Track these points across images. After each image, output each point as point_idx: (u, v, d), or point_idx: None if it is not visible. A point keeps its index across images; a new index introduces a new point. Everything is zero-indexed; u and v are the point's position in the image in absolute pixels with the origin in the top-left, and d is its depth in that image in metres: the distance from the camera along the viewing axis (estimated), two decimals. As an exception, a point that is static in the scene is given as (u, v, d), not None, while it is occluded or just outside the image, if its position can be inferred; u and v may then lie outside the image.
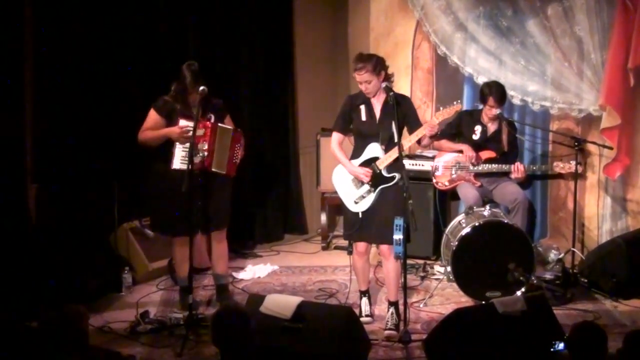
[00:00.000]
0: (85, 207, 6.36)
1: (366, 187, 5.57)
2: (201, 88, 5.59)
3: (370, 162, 5.57)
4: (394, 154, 5.48)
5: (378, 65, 5.48)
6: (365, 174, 5.54)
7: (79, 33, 6.36)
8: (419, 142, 5.65)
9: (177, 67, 5.80)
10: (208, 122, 5.71)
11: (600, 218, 6.90)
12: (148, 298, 6.26)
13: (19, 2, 5.97)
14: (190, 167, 5.42)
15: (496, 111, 6.43)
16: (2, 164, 5.82)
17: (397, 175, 5.50)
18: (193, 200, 5.55)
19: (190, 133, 5.57)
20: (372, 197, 5.57)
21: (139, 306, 5.89)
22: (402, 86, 7.23)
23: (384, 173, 5.55)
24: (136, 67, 6.66)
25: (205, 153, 5.66)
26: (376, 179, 5.55)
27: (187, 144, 5.59)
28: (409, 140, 5.59)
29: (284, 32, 7.83)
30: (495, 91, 6.44)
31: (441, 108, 5.67)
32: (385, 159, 5.53)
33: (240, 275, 6.78)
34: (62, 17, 6.28)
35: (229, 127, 5.84)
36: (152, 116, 5.79)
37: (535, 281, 6.05)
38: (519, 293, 5.76)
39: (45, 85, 6.25)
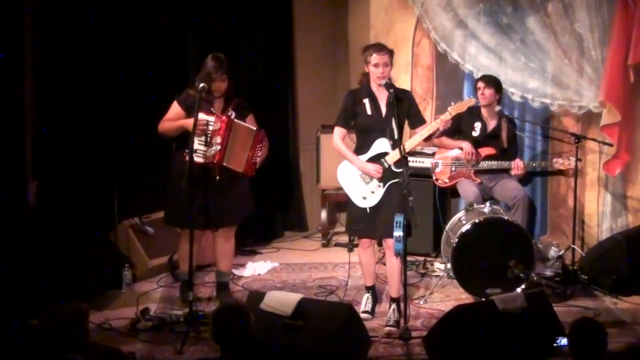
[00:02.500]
0: (86, 204, 6.36)
1: (375, 182, 5.54)
2: (201, 85, 5.58)
3: (378, 158, 5.55)
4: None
5: (393, 56, 5.55)
6: (377, 170, 5.50)
7: (78, 31, 6.36)
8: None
9: (177, 65, 5.80)
10: (225, 117, 5.69)
11: (600, 215, 6.90)
12: (148, 295, 6.26)
13: (19, 1, 5.97)
14: (190, 162, 5.40)
15: (492, 98, 6.46)
16: (2, 160, 5.81)
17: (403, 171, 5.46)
18: (204, 196, 5.60)
19: (208, 126, 5.58)
20: (381, 192, 5.54)
21: (139, 303, 5.90)
22: (402, 83, 7.22)
23: (394, 168, 5.52)
24: (136, 65, 6.66)
25: (218, 147, 5.66)
26: (386, 175, 5.53)
27: (203, 137, 5.60)
28: (420, 136, 5.56)
29: (284, 29, 7.82)
30: (483, 76, 6.58)
31: (453, 103, 5.64)
32: (395, 155, 5.49)
33: (241, 272, 6.78)
34: (62, 15, 6.27)
35: (249, 125, 5.79)
36: (174, 108, 5.80)
37: (535, 278, 6.06)
38: (519, 290, 5.77)
39: (45, 82, 6.25)
